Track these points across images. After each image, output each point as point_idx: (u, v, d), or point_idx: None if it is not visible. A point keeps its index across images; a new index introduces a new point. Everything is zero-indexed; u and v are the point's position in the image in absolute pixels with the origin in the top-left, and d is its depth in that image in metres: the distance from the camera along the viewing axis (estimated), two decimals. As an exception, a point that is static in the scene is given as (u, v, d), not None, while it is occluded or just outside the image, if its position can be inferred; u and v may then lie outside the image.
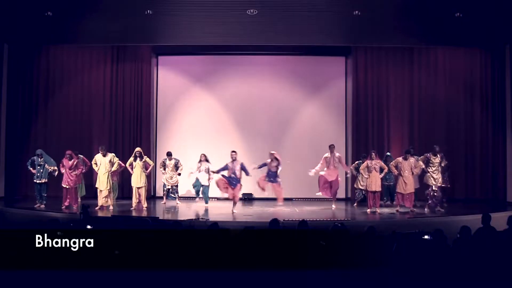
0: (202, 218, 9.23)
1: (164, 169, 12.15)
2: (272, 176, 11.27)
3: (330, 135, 13.83)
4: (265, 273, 4.42)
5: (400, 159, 11.17)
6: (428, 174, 11.14)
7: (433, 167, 11.11)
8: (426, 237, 6.07)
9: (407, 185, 10.90)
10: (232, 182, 10.79)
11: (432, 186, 11.16)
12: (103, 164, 11.08)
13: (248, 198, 13.37)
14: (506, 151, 13.34)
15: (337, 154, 11.66)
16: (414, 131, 13.70)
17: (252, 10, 10.87)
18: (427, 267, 4.44)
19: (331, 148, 11.64)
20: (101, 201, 11.04)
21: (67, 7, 10.99)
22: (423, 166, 11.10)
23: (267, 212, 11.16)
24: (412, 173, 10.99)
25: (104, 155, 11.15)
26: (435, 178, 11.11)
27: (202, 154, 12.03)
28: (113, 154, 11.45)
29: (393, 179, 11.83)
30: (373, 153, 11.25)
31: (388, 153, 12.45)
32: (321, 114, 14.06)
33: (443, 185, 11.90)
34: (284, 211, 11.21)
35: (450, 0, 10.71)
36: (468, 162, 13.60)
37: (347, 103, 14.09)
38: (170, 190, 12.05)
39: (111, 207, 11.09)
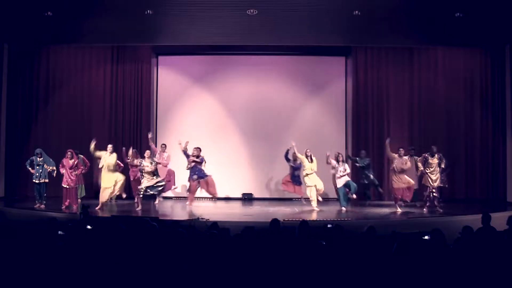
0: (202, 218, 9.22)
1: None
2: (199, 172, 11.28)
3: (330, 135, 13.85)
4: (265, 273, 4.41)
5: (395, 155, 11.22)
6: (426, 175, 11.14)
7: (431, 168, 11.12)
8: (426, 237, 6.07)
9: (396, 182, 11.05)
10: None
11: (430, 187, 11.16)
12: (107, 162, 11.01)
13: (248, 198, 13.37)
14: (506, 151, 13.35)
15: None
16: (414, 131, 13.71)
17: (252, 10, 10.87)
18: (427, 267, 4.43)
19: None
20: (104, 198, 10.92)
21: (67, 7, 10.98)
22: (422, 168, 11.14)
23: (267, 212, 11.15)
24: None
25: (111, 153, 11.10)
26: (433, 179, 11.12)
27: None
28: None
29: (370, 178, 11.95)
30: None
31: (363, 151, 12.44)
32: (321, 114, 14.06)
33: (441, 185, 11.96)
34: (284, 211, 11.20)
35: (450, 0, 10.72)
36: (468, 162, 13.61)
37: (347, 103, 14.09)
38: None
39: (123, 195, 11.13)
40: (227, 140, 13.68)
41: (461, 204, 12.39)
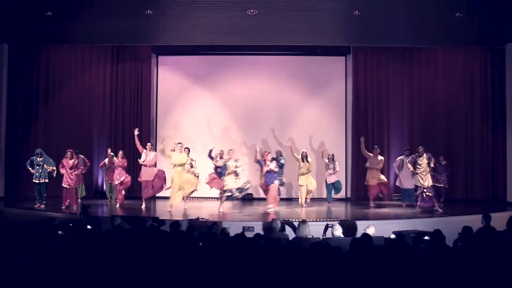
0: (202, 218, 9.21)
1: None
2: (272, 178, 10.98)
3: (330, 135, 13.85)
4: (264, 273, 4.41)
5: (371, 155, 12.07)
6: (417, 175, 11.14)
7: (421, 168, 11.12)
8: (426, 237, 6.07)
9: (370, 179, 12.02)
10: None
11: (420, 187, 11.15)
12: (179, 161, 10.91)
13: (248, 198, 13.34)
14: (506, 151, 13.35)
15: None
16: (414, 131, 13.71)
17: (252, 10, 10.87)
18: (427, 268, 4.43)
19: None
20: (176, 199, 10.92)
21: (67, 7, 10.99)
22: (412, 169, 11.21)
23: (267, 212, 11.13)
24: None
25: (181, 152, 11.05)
26: (424, 179, 11.12)
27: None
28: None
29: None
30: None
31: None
32: (321, 114, 14.06)
33: (441, 185, 12.01)
34: (284, 211, 11.19)
35: (450, 0, 10.72)
36: (468, 162, 13.61)
37: (347, 103, 14.09)
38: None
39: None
40: (227, 140, 13.66)
41: (461, 204, 12.39)
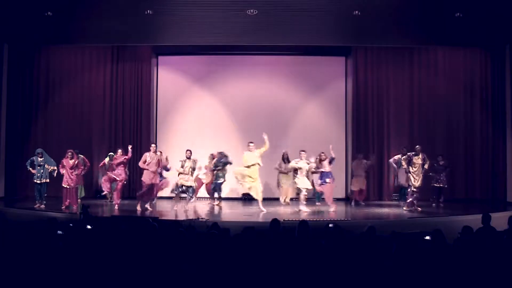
0: (202, 218, 9.21)
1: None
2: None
3: (330, 135, 13.84)
4: (265, 273, 4.41)
5: (354, 162, 12.74)
6: (409, 174, 11.16)
7: (415, 167, 11.15)
8: (427, 237, 6.06)
9: (355, 183, 12.53)
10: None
11: (411, 186, 11.15)
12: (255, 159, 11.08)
13: (248, 198, 13.34)
14: (506, 151, 13.35)
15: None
16: (414, 131, 13.71)
17: (252, 10, 10.87)
18: (427, 268, 4.43)
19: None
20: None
21: (67, 7, 10.99)
22: (405, 166, 11.22)
23: (267, 212, 11.14)
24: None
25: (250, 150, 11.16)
26: (416, 179, 11.14)
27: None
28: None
29: None
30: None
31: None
32: (321, 114, 14.06)
33: (440, 185, 12.04)
34: (284, 211, 11.19)
35: (450, 0, 10.71)
36: (468, 162, 13.61)
37: (347, 103, 14.09)
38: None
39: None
40: (227, 140, 13.67)
41: (461, 204, 12.40)
